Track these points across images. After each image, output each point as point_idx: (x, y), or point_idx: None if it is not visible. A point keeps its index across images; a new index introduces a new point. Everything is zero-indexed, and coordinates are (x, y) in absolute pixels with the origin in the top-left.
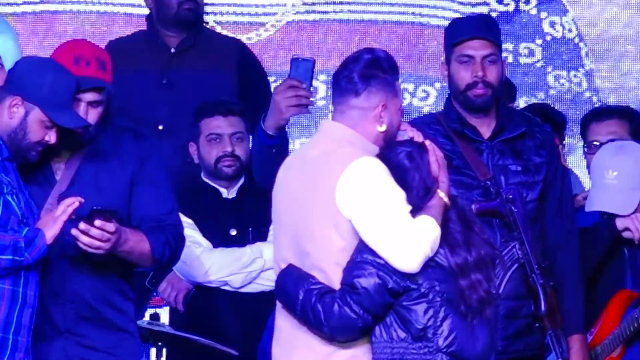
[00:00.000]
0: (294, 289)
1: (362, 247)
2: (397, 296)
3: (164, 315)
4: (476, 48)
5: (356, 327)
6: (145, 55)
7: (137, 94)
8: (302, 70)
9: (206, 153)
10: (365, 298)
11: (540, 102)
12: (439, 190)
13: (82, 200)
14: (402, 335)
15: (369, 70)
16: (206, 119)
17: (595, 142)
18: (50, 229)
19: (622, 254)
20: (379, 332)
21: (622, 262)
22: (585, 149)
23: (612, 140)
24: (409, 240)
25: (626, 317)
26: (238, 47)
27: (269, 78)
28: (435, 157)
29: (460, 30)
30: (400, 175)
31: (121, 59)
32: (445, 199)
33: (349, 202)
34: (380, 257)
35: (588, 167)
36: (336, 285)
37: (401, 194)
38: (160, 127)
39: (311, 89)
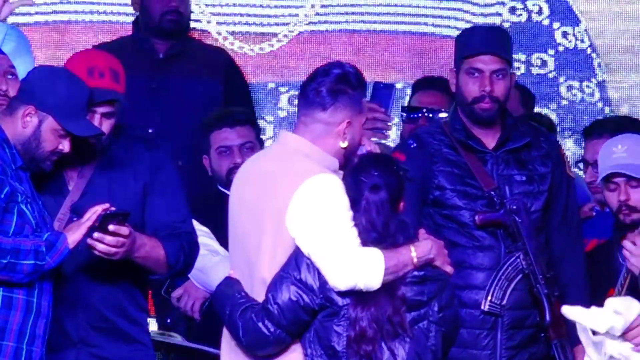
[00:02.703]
0: (223, 302)
1: (287, 262)
2: (313, 313)
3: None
4: (486, 62)
5: (268, 342)
6: (133, 60)
7: (127, 97)
8: (383, 95)
9: (217, 166)
10: (278, 314)
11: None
12: (412, 246)
13: (113, 209)
14: (320, 351)
15: (337, 86)
16: (215, 131)
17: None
18: (73, 234)
19: (614, 259)
20: (306, 348)
21: (612, 261)
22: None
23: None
24: (345, 259)
25: None
26: (223, 56)
27: (281, 88)
28: None
29: (471, 43)
30: (356, 202)
31: None
32: (414, 258)
33: (296, 220)
34: (299, 272)
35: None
36: None
37: (349, 216)
38: (151, 130)
39: (390, 115)
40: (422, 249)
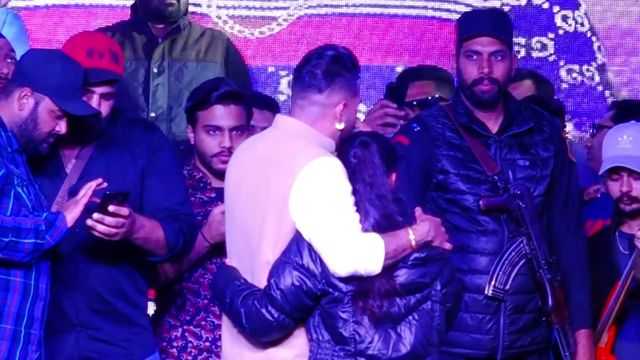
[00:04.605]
0: (223, 290)
1: (288, 248)
2: (316, 299)
3: None
4: (483, 44)
5: (272, 328)
6: (133, 44)
7: (128, 82)
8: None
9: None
10: (281, 299)
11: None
12: (410, 230)
13: (105, 184)
14: (327, 337)
15: (333, 68)
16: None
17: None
18: (71, 212)
19: (613, 245)
20: (311, 333)
21: (614, 252)
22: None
23: None
24: (346, 245)
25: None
26: (222, 39)
27: (281, 72)
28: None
29: (469, 26)
30: (350, 171)
31: None
32: (412, 241)
33: (298, 205)
34: (301, 258)
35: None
36: None
37: (351, 201)
38: (153, 114)
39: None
40: (420, 231)
